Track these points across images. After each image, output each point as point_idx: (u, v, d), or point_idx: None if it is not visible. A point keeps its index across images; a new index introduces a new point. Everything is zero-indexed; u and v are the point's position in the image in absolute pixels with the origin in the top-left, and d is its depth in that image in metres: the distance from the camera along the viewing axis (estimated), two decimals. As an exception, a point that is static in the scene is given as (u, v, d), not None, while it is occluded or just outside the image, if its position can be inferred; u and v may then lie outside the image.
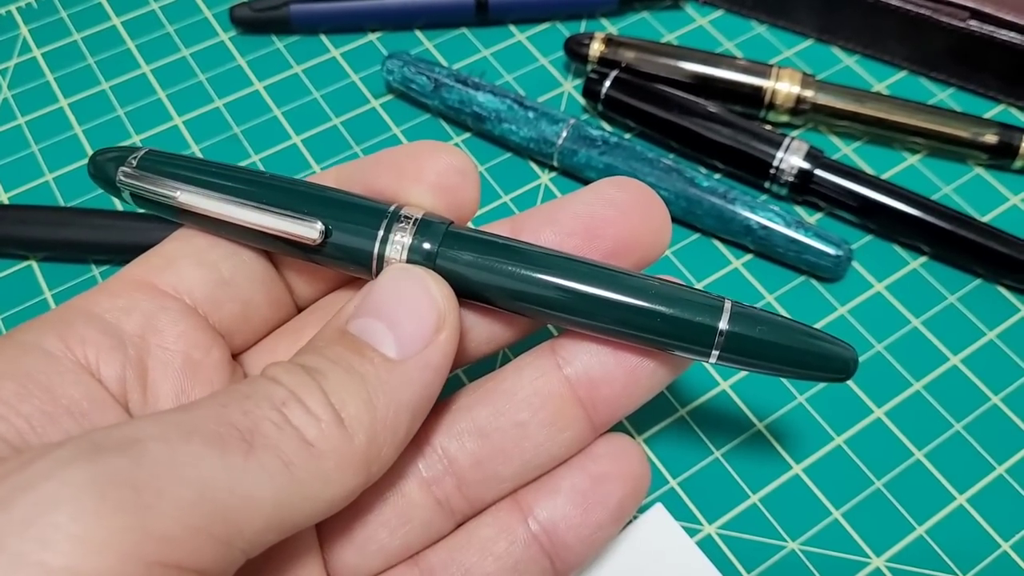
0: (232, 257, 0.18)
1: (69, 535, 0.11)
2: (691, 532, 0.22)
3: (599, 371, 0.17)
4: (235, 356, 0.18)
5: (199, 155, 0.29)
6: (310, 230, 0.16)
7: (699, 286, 0.26)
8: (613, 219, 0.17)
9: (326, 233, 0.16)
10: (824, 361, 0.16)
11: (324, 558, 0.17)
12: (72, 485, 0.12)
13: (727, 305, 0.16)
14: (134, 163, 0.17)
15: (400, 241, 0.16)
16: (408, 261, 0.16)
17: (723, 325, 0.16)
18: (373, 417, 0.15)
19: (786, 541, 0.22)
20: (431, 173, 0.17)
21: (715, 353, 0.16)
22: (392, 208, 0.17)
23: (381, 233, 0.16)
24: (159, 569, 0.12)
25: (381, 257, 0.16)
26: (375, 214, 0.17)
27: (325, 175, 0.19)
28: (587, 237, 0.17)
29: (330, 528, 0.17)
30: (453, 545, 0.18)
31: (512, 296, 0.16)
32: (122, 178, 0.17)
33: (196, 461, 0.13)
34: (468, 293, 0.17)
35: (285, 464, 0.14)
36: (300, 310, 0.20)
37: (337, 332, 0.16)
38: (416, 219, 0.17)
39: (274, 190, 0.17)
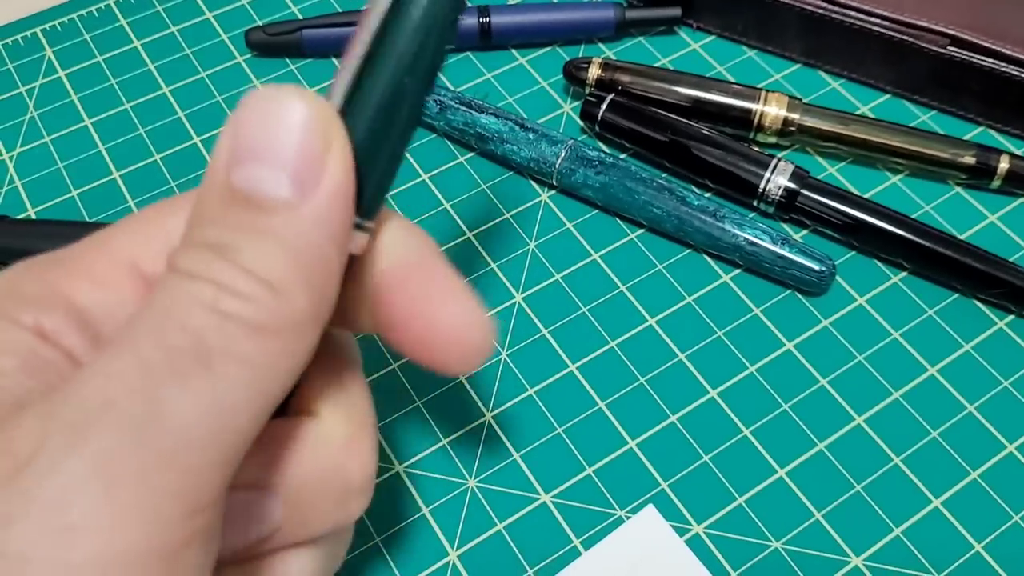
0: None
1: (87, 528, 0.11)
2: (681, 532, 0.24)
3: None
4: None
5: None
6: None
7: (690, 299, 0.28)
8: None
9: None
10: None
11: None
12: (75, 478, 0.12)
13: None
14: None
15: None
16: None
17: None
18: (302, 270, 0.14)
19: (770, 541, 0.23)
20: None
21: None
22: None
23: None
24: (185, 522, 0.12)
25: None
26: None
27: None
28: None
29: None
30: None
31: None
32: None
33: (170, 406, 0.12)
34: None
35: (244, 362, 0.13)
36: None
37: (222, 192, 0.14)
38: None
39: None
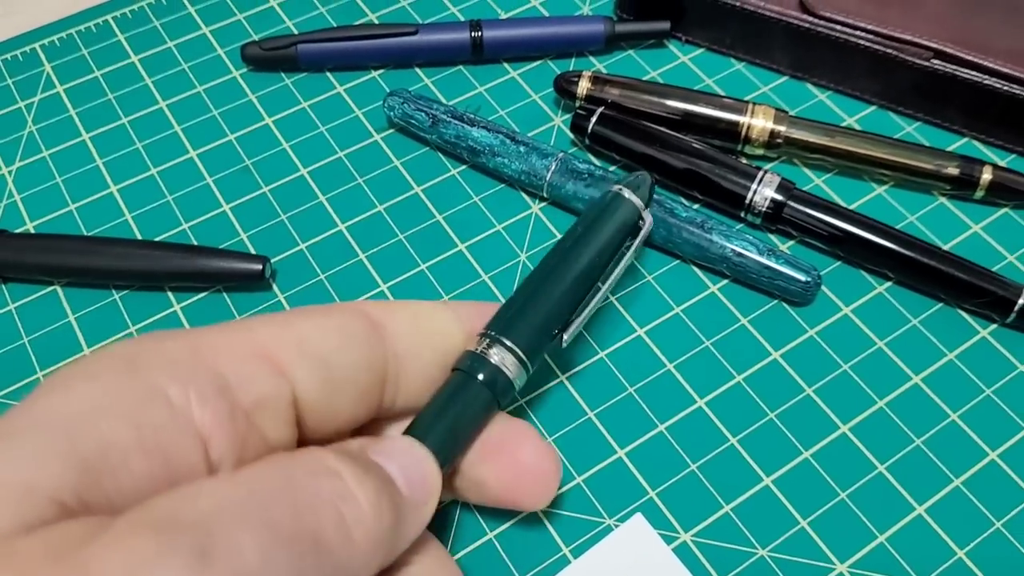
0: (350, 353, 0.19)
1: None
2: (668, 540, 0.24)
3: None
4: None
5: (212, 187, 0.31)
6: None
7: (678, 310, 0.28)
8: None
9: None
10: None
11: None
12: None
13: None
14: None
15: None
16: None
17: None
18: (397, 526, 0.17)
19: (756, 548, 0.24)
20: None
21: None
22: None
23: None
24: None
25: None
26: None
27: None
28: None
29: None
30: None
31: None
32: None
33: (278, 562, 0.14)
34: None
35: (331, 554, 0.15)
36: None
37: (361, 452, 0.18)
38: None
39: None
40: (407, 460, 0.18)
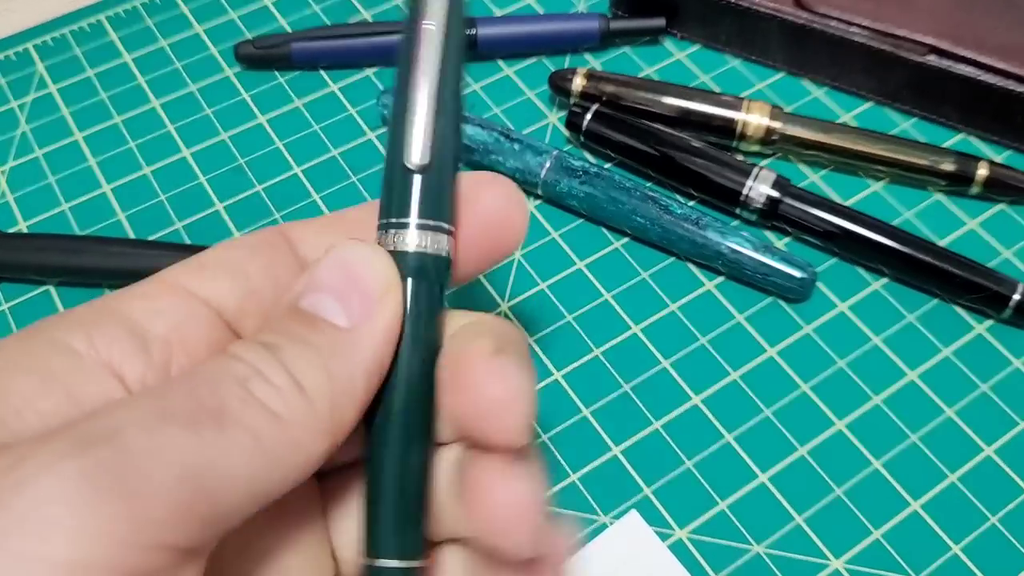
0: (267, 270, 0.18)
1: (67, 528, 0.12)
2: (664, 537, 0.24)
3: None
4: None
5: (206, 186, 0.31)
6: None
7: (674, 307, 0.28)
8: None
9: None
10: None
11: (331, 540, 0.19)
12: (64, 479, 0.12)
13: None
14: None
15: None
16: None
17: None
18: (331, 384, 0.15)
19: (752, 544, 0.24)
20: (478, 211, 0.18)
21: None
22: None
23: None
24: (153, 552, 0.13)
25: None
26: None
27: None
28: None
29: (333, 523, 0.19)
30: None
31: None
32: None
33: (174, 444, 0.13)
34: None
35: (255, 436, 0.14)
36: None
37: (289, 309, 0.16)
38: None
39: None
40: (340, 272, 0.17)
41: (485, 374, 0.17)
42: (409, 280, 0.17)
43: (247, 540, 0.17)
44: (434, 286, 0.17)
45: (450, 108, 0.18)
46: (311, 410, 0.15)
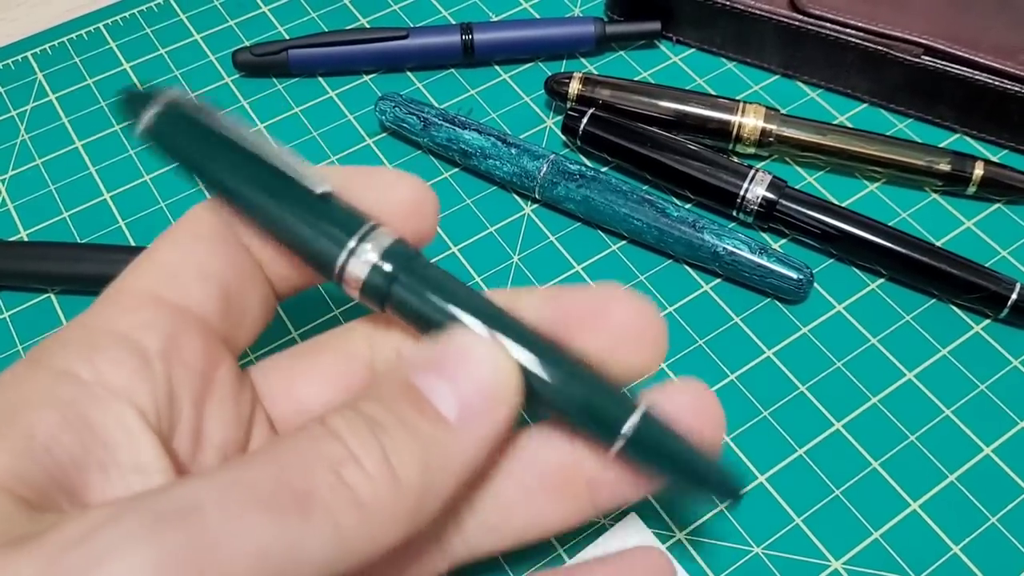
0: (233, 267, 0.18)
1: None
2: (663, 539, 0.24)
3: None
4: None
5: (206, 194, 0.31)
6: (319, 187, 0.17)
7: (671, 309, 0.28)
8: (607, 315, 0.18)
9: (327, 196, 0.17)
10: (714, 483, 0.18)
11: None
12: (136, 567, 0.12)
13: (639, 410, 0.17)
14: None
15: (367, 259, 0.17)
16: (367, 281, 0.17)
17: (627, 429, 0.17)
18: (425, 479, 0.15)
19: (751, 546, 0.24)
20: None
21: (612, 452, 0.17)
22: (371, 224, 0.17)
23: (352, 243, 0.17)
24: None
25: (343, 267, 0.17)
26: (355, 224, 0.17)
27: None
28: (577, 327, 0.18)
29: None
30: None
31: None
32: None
33: (255, 530, 0.13)
34: (412, 321, 0.18)
35: (338, 527, 0.14)
36: (280, 299, 0.20)
37: (402, 384, 0.16)
38: (389, 241, 0.17)
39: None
40: (470, 369, 0.16)
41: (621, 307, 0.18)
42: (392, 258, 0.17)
43: None
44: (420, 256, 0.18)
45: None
46: (397, 503, 0.15)
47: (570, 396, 0.17)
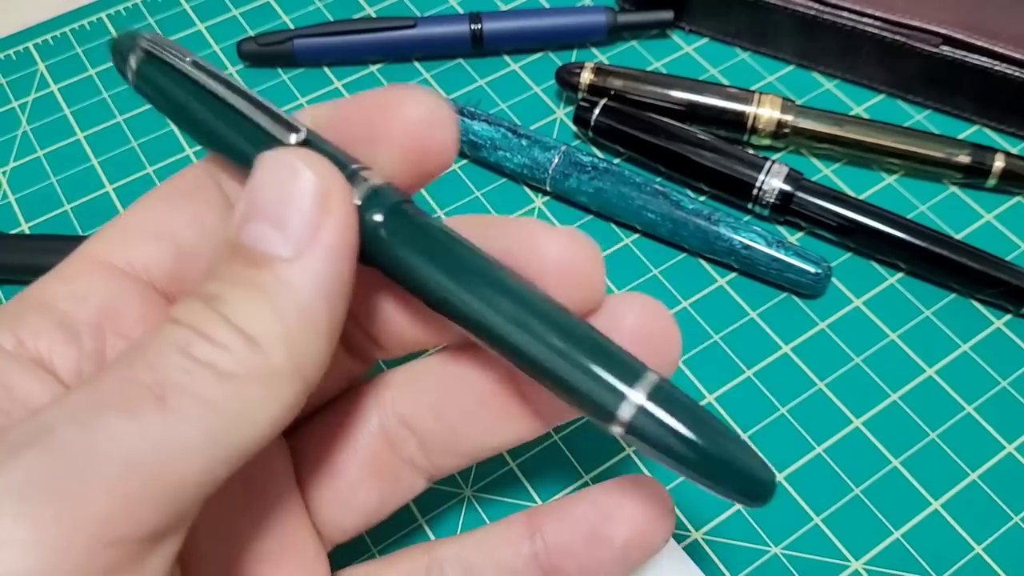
0: (194, 224, 0.17)
1: (4, 544, 0.11)
2: (680, 538, 0.23)
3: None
4: None
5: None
6: (292, 136, 0.16)
7: (686, 304, 0.28)
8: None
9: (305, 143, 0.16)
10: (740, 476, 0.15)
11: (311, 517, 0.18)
12: None
13: (650, 377, 0.15)
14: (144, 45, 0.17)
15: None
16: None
17: (638, 397, 0.14)
18: (285, 325, 0.14)
19: (769, 546, 0.23)
20: (400, 127, 0.16)
21: (617, 430, 0.15)
22: (352, 168, 0.16)
23: None
24: (106, 549, 0.12)
25: None
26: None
27: (302, 113, 0.17)
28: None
29: (310, 487, 0.18)
30: (464, 543, 0.19)
31: (436, 300, 0.16)
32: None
33: (113, 435, 0.12)
34: (398, 279, 0.16)
35: (205, 403, 0.13)
36: None
37: (230, 247, 0.15)
38: (370, 187, 0.16)
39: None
40: (280, 191, 0.14)
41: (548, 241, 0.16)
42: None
43: (219, 521, 0.16)
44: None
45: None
46: (267, 360, 0.14)
47: (569, 358, 0.15)
